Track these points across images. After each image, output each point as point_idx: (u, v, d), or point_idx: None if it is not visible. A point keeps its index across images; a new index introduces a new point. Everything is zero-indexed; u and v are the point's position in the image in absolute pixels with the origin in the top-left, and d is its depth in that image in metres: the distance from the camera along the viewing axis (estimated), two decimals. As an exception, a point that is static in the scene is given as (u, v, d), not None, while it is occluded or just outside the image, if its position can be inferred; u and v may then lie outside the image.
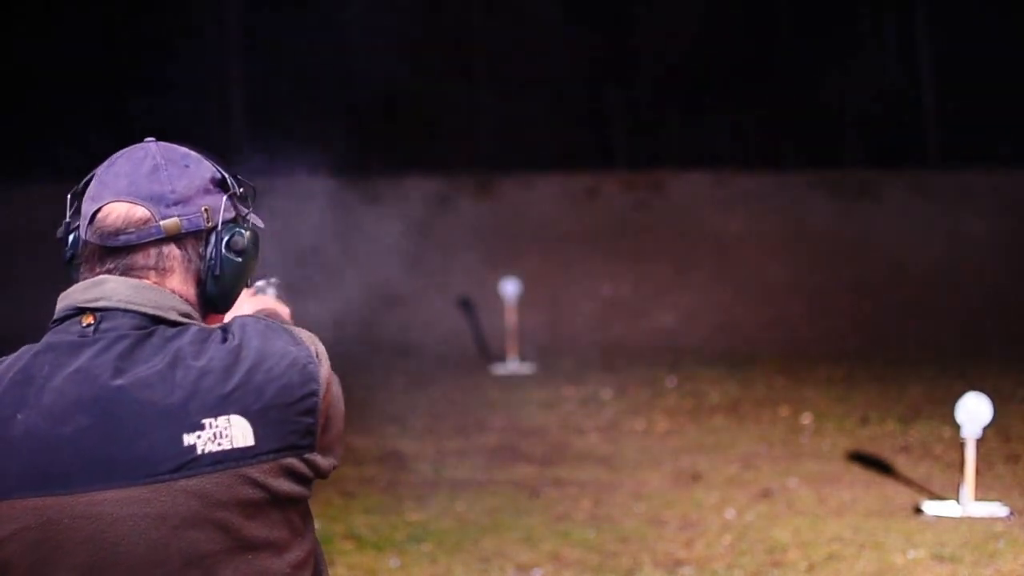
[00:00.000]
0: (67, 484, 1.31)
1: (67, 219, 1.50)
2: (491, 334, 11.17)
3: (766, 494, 5.96)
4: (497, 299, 10.90)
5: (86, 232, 1.44)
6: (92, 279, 1.42)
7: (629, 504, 5.86)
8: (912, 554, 4.97)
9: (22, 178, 13.20)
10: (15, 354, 1.41)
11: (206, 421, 1.32)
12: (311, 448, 1.38)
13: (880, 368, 9.62)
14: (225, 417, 1.33)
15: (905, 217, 12.72)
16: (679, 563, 4.95)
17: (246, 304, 1.85)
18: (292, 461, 1.36)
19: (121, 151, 1.49)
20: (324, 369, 1.41)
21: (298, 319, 1.89)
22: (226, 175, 1.50)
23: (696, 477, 6.35)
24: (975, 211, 12.60)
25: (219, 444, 1.32)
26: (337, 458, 1.48)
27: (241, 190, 1.51)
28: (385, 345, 10.88)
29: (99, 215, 1.43)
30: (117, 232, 1.41)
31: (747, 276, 12.26)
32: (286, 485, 1.36)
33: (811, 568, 4.86)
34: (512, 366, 10.08)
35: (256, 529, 1.35)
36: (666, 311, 11.88)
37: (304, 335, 1.44)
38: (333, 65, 16.03)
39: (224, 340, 1.38)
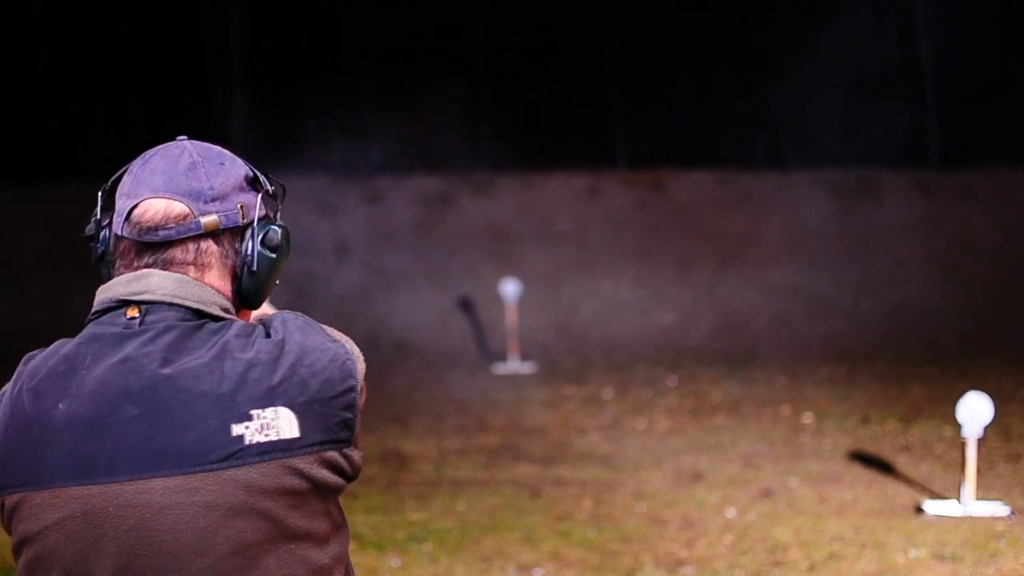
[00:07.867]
0: (112, 472, 1.32)
1: (97, 216, 1.50)
2: (492, 334, 11.17)
3: (767, 493, 5.96)
4: (497, 299, 10.90)
5: (121, 228, 1.45)
6: (135, 273, 1.43)
7: (630, 504, 5.86)
8: (913, 553, 4.96)
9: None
10: (51, 347, 1.41)
11: (254, 412, 1.34)
12: (349, 443, 1.41)
13: (881, 367, 9.62)
14: (272, 408, 1.35)
15: (906, 217, 12.72)
16: (680, 563, 4.94)
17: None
18: (332, 454, 1.39)
19: (155, 148, 1.49)
20: (360, 366, 1.44)
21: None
22: (258, 173, 1.52)
23: (697, 477, 6.35)
24: (976, 211, 12.60)
25: (266, 435, 1.34)
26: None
27: (272, 188, 1.53)
28: (385, 345, 10.87)
29: (136, 211, 1.44)
30: (156, 227, 1.42)
31: (747, 276, 12.25)
32: (328, 476, 1.38)
33: (812, 568, 4.86)
34: (513, 365, 10.08)
35: (299, 519, 1.36)
36: (667, 310, 11.87)
37: (337, 334, 1.46)
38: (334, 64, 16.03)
39: (268, 335, 1.40)
